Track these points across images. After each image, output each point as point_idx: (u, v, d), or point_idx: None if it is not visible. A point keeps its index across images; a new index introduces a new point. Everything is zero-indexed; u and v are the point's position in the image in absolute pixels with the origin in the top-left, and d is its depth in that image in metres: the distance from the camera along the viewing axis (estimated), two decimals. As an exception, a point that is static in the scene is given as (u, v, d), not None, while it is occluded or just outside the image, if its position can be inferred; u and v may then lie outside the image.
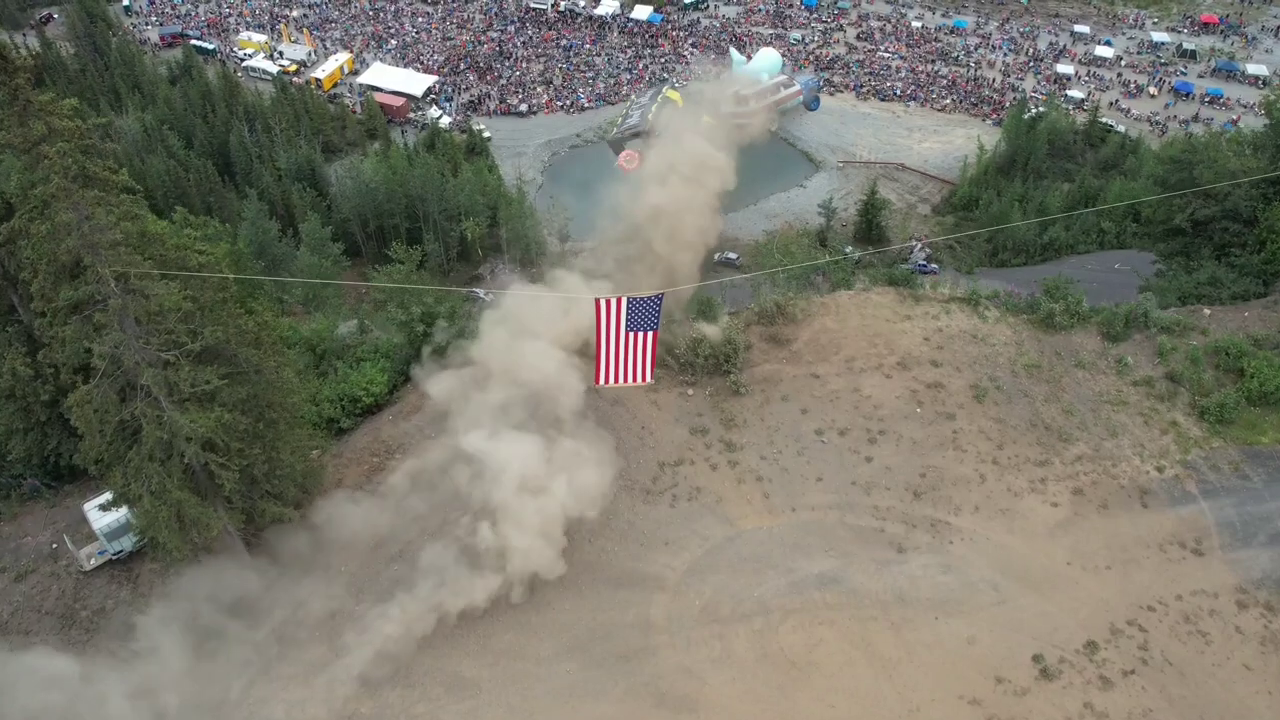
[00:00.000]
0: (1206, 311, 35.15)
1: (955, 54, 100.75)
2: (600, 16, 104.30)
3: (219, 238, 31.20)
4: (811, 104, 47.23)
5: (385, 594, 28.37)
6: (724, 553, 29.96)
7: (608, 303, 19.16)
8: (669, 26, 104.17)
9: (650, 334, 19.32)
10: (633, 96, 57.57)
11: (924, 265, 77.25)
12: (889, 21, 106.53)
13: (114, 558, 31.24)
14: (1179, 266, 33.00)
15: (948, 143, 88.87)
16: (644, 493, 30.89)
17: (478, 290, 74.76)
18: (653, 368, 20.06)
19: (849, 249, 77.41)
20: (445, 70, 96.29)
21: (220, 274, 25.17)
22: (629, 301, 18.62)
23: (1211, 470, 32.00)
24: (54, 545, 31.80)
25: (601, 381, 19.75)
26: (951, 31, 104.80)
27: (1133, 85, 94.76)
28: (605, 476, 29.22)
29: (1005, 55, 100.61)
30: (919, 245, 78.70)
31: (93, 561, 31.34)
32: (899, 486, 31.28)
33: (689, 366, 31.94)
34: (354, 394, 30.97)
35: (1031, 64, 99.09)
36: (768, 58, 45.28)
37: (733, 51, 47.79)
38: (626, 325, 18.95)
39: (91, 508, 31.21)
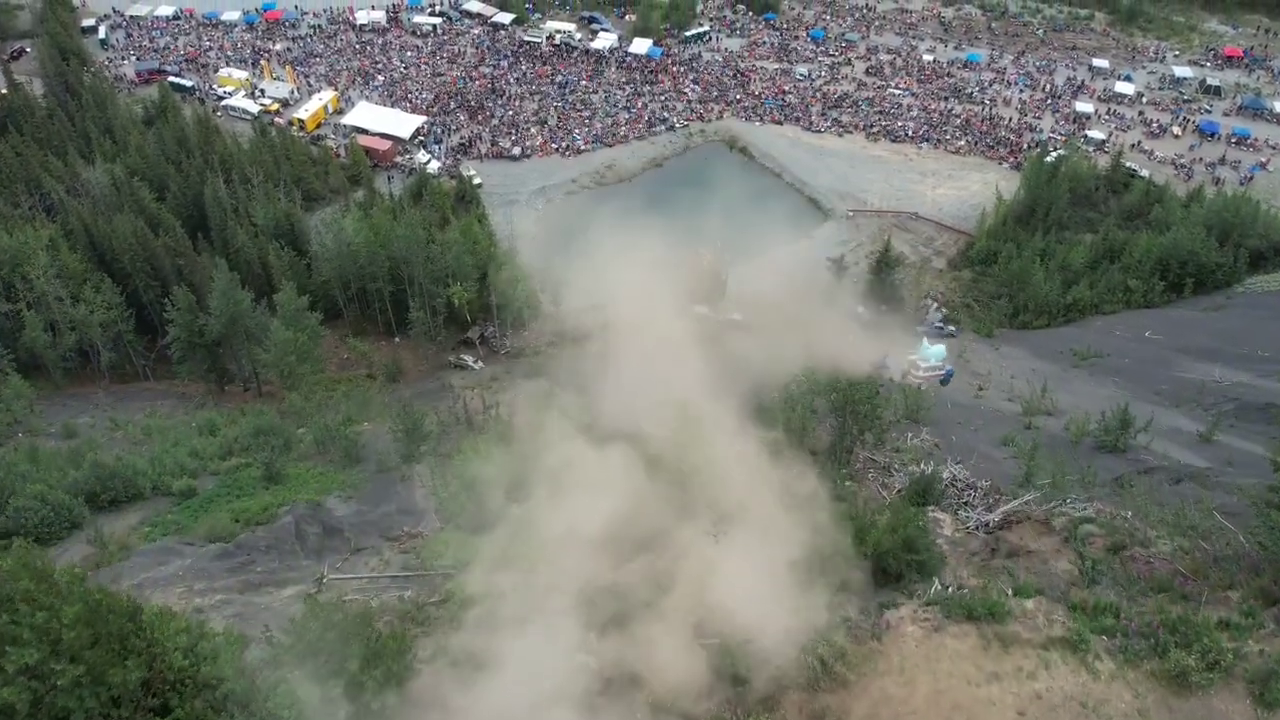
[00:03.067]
0: None
1: (969, 90, 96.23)
2: (597, 51, 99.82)
3: (73, 583, 17.45)
4: (946, 381, 65.90)
5: None
6: None
7: None
8: (669, 61, 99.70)
9: None
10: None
11: (940, 326, 72.93)
12: (899, 55, 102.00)
13: None
14: None
15: (963, 189, 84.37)
16: None
17: (466, 358, 70.44)
18: None
19: (859, 309, 73.02)
20: (434, 109, 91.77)
21: None
22: None
23: None
24: None
25: None
26: (964, 66, 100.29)
27: (1155, 125, 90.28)
28: None
29: (1021, 92, 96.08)
30: (935, 305, 74.35)
31: None
32: None
33: None
34: None
35: (1049, 101, 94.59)
36: (938, 350, 66.59)
37: (925, 338, 68.16)
38: None
39: None
